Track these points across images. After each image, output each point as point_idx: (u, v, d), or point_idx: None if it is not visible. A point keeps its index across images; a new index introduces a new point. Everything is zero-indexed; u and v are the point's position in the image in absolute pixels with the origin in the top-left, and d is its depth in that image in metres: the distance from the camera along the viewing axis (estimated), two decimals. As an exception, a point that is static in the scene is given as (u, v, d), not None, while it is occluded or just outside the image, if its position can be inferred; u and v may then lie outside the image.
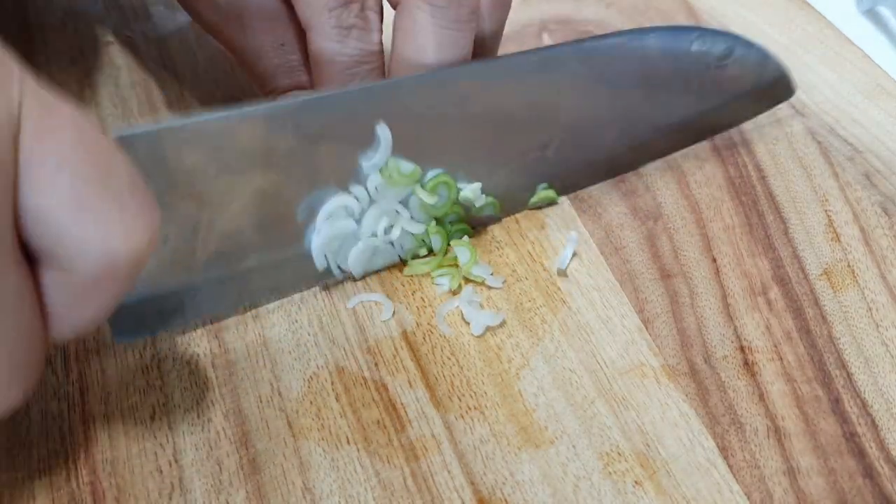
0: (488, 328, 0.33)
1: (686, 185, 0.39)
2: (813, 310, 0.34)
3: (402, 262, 0.35)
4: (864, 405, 0.31)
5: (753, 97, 0.40)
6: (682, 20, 0.47)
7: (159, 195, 0.25)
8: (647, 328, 0.33)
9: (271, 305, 0.34)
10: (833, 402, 0.31)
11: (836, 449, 0.30)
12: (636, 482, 0.29)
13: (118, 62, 0.44)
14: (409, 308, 0.34)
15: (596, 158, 0.38)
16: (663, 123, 0.39)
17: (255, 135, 0.31)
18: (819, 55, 0.45)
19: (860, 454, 0.30)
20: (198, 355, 0.32)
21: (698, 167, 0.39)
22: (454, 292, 0.34)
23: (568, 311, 0.34)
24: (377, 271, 0.35)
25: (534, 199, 0.37)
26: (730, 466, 0.30)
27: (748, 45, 0.39)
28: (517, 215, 0.37)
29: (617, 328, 0.33)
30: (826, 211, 0.38)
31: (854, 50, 0.45)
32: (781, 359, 0.33)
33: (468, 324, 0.33)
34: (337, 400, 0.31)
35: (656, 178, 0.39)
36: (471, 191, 0.35)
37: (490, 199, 0.35)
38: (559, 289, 0.35)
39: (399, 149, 0.33)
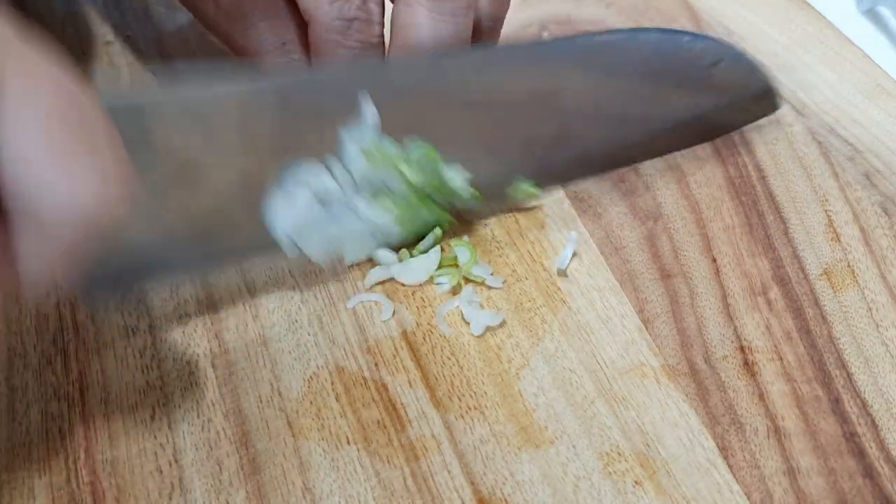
0: (488, 328, 0.33)
1: (686, 185, 0.39)
2: (813, 310, 0.34)
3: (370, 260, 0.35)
4: (864, 405, 0.31)
5: (738, 107, 0.40)
6: (682, 20, 0.47)
7: (137, 160, 0.25)
8: (647, 328, 0.33)
9: (271, 305, 0.34)
10: (833, 402, 0.31)
11: (836, 449, 0.30)
12: (636, 482, 0.29)
13: (118, 62, 0.44)
14: (409, 308, 0.34)
15: (583, 153, 0.38)
16: (651, 122, 0.39)
17: (239, 108, 0.31)
18: (819, 55, 0.45)
19: (860, 454, 0.30)
20: (198, 355, 0.32)
21: (698, 167, 0.39)
22: (454, 292, 0.34)
23: (568, 311, 0.34)
24: (351, 265, 0.35)
25: (513, 192, 0.37)
26: (730, 466, 0.30)
27: (738, 55, 0.39)
28: (517, 214, 0.37)
29: (617, 328, 0.33)
30: (826, 211, 0.38)
31: (854, 50, 0.45)
32: (781, 359, 0.33)
33: (468, 324, 0.33)
34: (337, 400, 0.31)
35: (656, 178, 0.39)
36: (453, 171, 0.34)
37: (471, 188, 0.35)
38: (559, 289, 0.35)
39: (382, 128, 0.33)
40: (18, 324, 0.33)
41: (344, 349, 0.33)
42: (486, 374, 0.32)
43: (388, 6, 0.36)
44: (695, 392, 0.32)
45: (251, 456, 0.30)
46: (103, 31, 0.46)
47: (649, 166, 0.39)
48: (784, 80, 0.43)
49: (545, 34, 0.46)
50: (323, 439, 0.30)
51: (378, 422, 0.31)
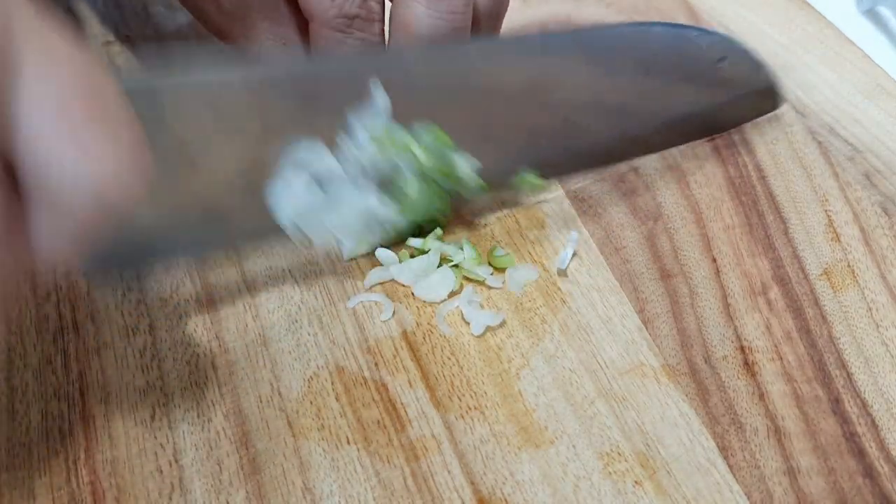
0: (488, 328, 0.33)
1: (686, 185, 0.39)
2: (813, 310, 0.34)
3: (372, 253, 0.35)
4: (864, 405, 0.31)
5: (741, 104, 0.40)
6: (681, 20, 0.47)
7: (150, 141, 0.25)
8: (647, 328, 0.33)
9: (271, 305, 0.34)
10: (833, 402, 0.31)
11: (836, 449, 0.30)
12: (636, 482, 0.29)
13: (118, 62, 0.44)
14: (409, 308, 0.34)
15: (587, 146, 0.38)
16: (655, 117, 0.39)
17: (249, 93, 0.31)
18: (819, 55, 0.45)
19: (860, 454, 0.30)
20: (198, 356, 0.32)
21: (698, 167, 0.39)
22: (454, 292, 0.34)
23: (568, 311, 0.34)
24: (354, 258, 0.35)
25: (518, 183, 0.36)
26: (730, 466, 0.30)
27: (744, 52, 0.39)
28: (517, 214, 0.37)
29: (617, 328, 0.33)
30: (826, 211, 0.38)
31: (854, 50, 0.45)
32: (781, 359, 0.33)
33: (468, 324, 0.33)
34: (337, 400, 0.31)
35: (656, 178, 0.39)
36: (462, 158, 0.34)
37: (477, 178, 0.35)
38: (559, 289, 0.35)
39: (391, 114, 0.33)
40: (18, 324, 0.33)
41: (344, 349, 0.33)
42: (486, 374, 0.32)
43: (388, 4, 0.36)
44: (695, 392, 0.32)
45: (251, 456, 0.30)
46: (103, 31, 0.46)
47: (650, 166, 0.39)
48: (784, 80, 0.43)
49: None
50: (323, 439, 0.30)
51: (378, 422, 0.31)
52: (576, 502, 0.29)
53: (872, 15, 0.49)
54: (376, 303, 0.34)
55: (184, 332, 0.33)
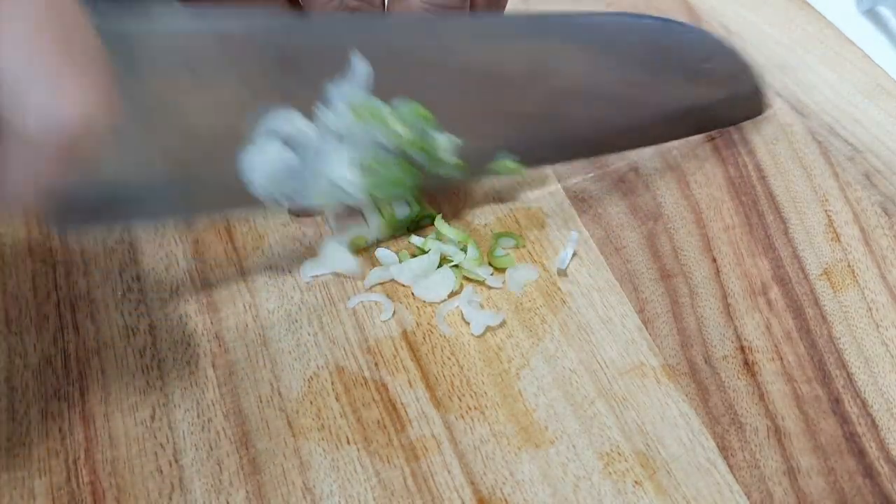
0: (488, 328, 0.33)
1: (686, 185, 0.39)
2: (813, 310, 0.34)
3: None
4: (864, 405, 0.31)
5: (725, 103, 0.40)
6: (682, 20, 0.47)
7: (122, 86, 0.25)
8: (647, 328, 0.33)
9: (271, 306, 0.34)
10: (833, 402, 0.31)
11: (836, 449, 0.30)
12: (636, 482, 0.29)
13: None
14: (409, 308, 0.34)
15: (568, 134, 0.38)
16: (638, 108, 0.38)
17: (230, 49, 0.31)
18: (819, 55, 0.45)
19: (860, 454, 0.30)
20: (198, 356, 0.32)
21: (698, 167, 0.39)
22: (454, 292, 0.34)
23: (568, 311, 0.34)
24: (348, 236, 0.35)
25: (496, 168, 0.36)
26: (730, 466, 0.30)
27: (730, 52, 0.39)
28: (517, 214, 0.37)
29: (617, 328, 0.33)
30: (826, 211, 0.38)
31: (854, 50, 0.45)
32: (781, 359, 0.33)
33: (468, 324, 0.33)
34: (337, 400, 0.31)
35: (656, 178, 0.39)
36: (442, 135, 0.34)
37: (455, 158, 0.34)
38: (559, 289, 0.35)
39: (372, 86, 0.32)
40: (18, 324, 0.33)
41: (344, 349, 0.33)
42: (486, 374, 0.32)
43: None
44: (695, 392, 0.32)
45: (251, 456, 0.30)
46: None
47: (649, 166, 0.39)
48: (784, 80, 0.43)
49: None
50: (323, 439, 0.30)
51: (378, 422, 0.31)
52: (576, 502, 0.29)
53: (872, 15, 0.49)
54: (376, 303, 0.34)
55: (184, 332, 0.33)
